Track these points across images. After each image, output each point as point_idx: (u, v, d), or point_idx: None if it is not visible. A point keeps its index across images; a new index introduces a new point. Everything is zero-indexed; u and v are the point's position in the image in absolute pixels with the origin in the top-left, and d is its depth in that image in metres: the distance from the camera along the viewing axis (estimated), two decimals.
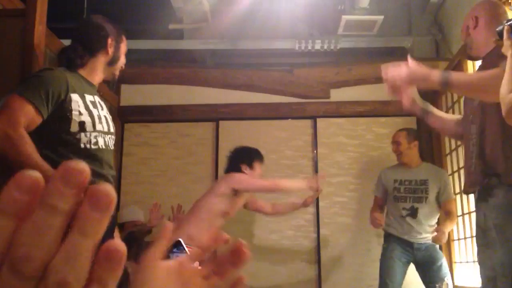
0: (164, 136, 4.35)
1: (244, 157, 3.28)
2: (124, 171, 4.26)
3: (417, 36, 4.84)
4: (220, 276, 0.43)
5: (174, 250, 1.09)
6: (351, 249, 4.10)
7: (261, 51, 5.05)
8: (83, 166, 0.29)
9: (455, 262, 3.86)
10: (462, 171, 3.66)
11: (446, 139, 4.01)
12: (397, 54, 5.00)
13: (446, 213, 3.39)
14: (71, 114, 1.94)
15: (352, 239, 4.11)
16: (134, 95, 4.37)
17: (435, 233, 3.16)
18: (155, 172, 4.23)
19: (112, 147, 2.14)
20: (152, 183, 4.20)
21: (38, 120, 1.89)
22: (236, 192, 3.10)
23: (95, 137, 2.00)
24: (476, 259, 2.34)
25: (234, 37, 4.87)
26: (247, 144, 3.40)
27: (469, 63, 3.48)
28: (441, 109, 4.09)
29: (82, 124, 1.96)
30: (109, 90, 4.09)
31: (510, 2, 2.80)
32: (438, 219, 3.47)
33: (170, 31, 4.79)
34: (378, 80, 4.30)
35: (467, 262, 3.59)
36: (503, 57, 1.71)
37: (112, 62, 2.16)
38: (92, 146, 1.99)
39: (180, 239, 1.12)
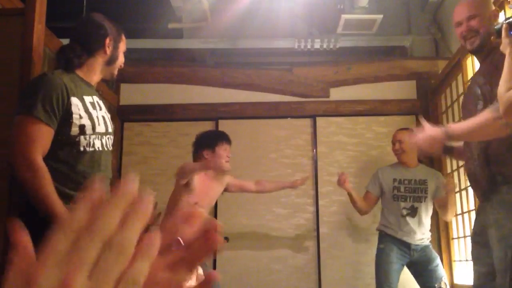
0: (164, 135, 4.36)
1: (205, 143, 3.11)
2: (124, 170, 4.26)
3: (416, 35, 4.85)
4: (188, 264, 0.36)
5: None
6: (350, 247, 4.10)
7: (260, 50, 5.06)
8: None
9: (454, 261, 3.86)
10: (461, 171, 3.67)
11: None
12: (397, 53, 5.01)
13: (443, 206, 3.36)
14: (71, 118, 1.93)
15: (352, 238, 4.11)
16: (134, 94, 4.37)
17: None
18: (155, 171, 4.23)
19: (110, 148, 2.13)
20: (152, 182, 4.20)
21: (52, 135, 1.90)
22: (187, 184, 2.94)
23: (94, 139, 1.99)
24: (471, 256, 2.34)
25: (234, 36, 4.87)
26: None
27: (468, 62, 3.48)
28: (440, 109, 4.11)
29: (82, 127, 1.95)
30: (109, 89, 4.10)
31: (509, 1, 2.80)
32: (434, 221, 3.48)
33: (170, 30, 4.80)
34: (378, 79, 4.34)
35: (466, 260, 3.59)
36: (502, 56, 1.72)
37: (110, 61, 2.14)
38: (91, 149, 1.99)
39: (179, 238, 1.12)
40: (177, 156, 4.25)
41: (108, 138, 2.09)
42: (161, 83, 4.40)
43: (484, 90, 2.06)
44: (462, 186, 3.65)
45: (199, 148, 3.11)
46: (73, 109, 1.93)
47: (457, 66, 3.71)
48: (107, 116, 2.12)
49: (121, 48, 2.18)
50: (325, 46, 4.82)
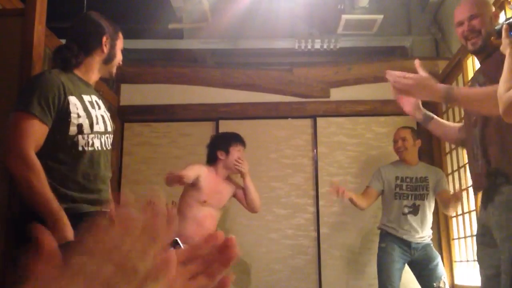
0: (164, 135, 4.35)
1: (219, 143, 3.23)
2: (125, 170, 4.26)
3: (416, 35, 4.85)
4: (209, 276, 0.40)
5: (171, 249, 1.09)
6: (351, 247, 4.10)
7: (261, 50, 5.06)
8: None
9: (455, 261, 3.86)
10: (462, 170, 3.67)
11: None
12: (397, 53, 5.01)
13: (445, 202, 3.36)
14: (70, 117, 1.92)
15: (352, 238, 4.11)
16: (134, 94, 4.37)
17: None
18: (155, 172, 4.23)
19: (109, 147, 2.12)
20: (152, 183, 4.20)
21: (46, 132, 1.89)
22: (194, 183, 3.04)
23: (92, 138, 1.98)
24: (476, 258, 2.34)
25: (234, 37, 4.87)
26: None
27: (469, 62, 3.48)
28: (441, 109, 4.11)
29: (80, 127, 1.94)
30: (109, 90, 4.10)
31: (510, 2, 2.80)
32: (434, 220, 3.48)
33: (170, 30, 4.80)
34: (378, 79, 4.33)
35: (467, 261, 3.59)
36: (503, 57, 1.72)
37: (108, 60, 2.13)
38: (90, 148, 1.98)
39: (177, 238, 1.12)
40: (177, 157, 4.25)
41: (107, 138, 2.08)
42: (162, 83, 4.40)
43: None
44: (463, 186, 3.65)
45: (213, 149, 3.19)
46: (71, 108, 1.92)
47: (457, 66, 3.71)
48: (107, 115, 2.11)
49: (118, 46, 2.17)
50: (325, 46, 4.82)
